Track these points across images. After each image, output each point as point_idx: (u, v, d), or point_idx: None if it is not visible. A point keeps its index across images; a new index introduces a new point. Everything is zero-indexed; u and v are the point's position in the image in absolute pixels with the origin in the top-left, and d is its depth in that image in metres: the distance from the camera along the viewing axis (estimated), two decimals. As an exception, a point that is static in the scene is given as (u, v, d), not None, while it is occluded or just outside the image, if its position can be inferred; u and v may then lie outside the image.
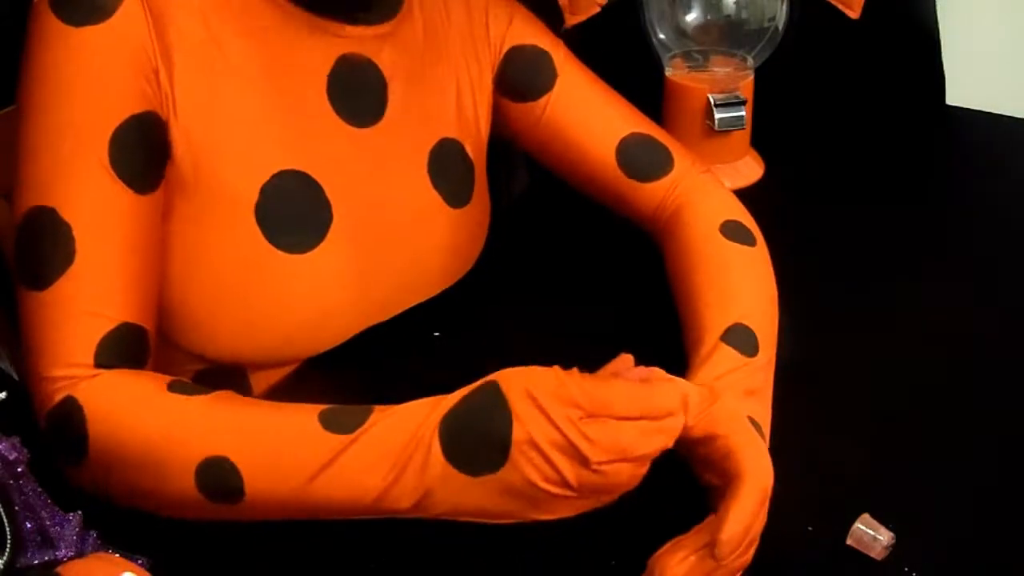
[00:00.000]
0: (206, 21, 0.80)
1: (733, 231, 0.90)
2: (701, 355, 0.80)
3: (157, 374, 0.76)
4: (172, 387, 0.74)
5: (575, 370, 0.67)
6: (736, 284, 0.86)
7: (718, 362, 0.79)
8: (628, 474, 0.66)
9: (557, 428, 0.64)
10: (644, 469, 0.66)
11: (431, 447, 0.67)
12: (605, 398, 0.66)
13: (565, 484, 0.65)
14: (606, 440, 0.65)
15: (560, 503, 0.67)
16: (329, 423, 0.70)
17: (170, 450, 0.71)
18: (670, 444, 0.67)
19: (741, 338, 0.80)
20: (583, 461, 0.65)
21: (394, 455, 0.68)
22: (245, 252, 0.82)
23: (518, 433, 0.65)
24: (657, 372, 0.74)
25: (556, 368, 0.67)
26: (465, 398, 0.68)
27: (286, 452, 0.70)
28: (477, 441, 0.66)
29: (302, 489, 0.69)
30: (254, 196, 0.82)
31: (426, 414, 0.68)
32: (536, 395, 0.65)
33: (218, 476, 0.70)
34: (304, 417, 0.71)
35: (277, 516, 0.72)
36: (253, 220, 0.82)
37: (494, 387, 0.66)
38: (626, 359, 0.75)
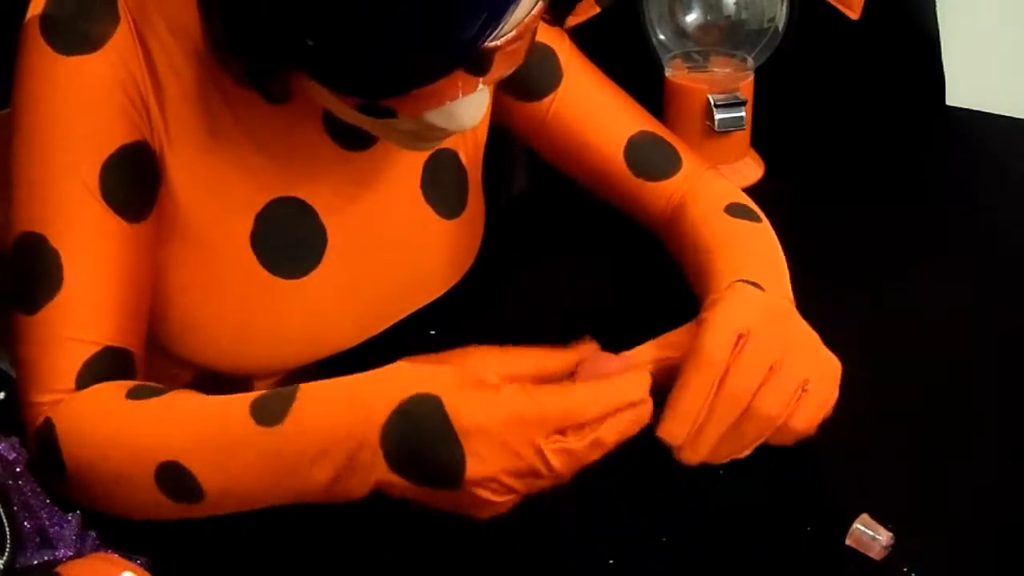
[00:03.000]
0: (198, 54, 0.77)
1: (737, 211, 0.90)
2: (711, 300, 0.78)
3: (119, 382, 0.76)
4: (130, 393, 0.74)
5: (528, 384, 0.68)
6: (746, 250, 0.85)
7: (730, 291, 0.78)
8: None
9: (517, 455, 0.66)
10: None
11: (376, 452, 0.67)
12: (570, 408, 0.67)
13: (518, 495, 0.68)
14: (569, 461, 0.67)
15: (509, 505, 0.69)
16: (260, 415, 0.69)
17: (129, 460, 0.72)
18: (635, 431, 0.69)
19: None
20: (539, 476, 0.67)
21: (333, 452, 0.68)
22: (242, 279, 0.82)
23: (473, 471, 0.66)
24: (615, 362, 0.74)
25: (513, 387, 0.67)
26: (404, 413, 0.67)
27: (229, 449, 0.70)
28: (427, 468, 0.67)
29: (255, 484, 0.70)
30: (249, 226, 0.82)
31: (361, 418, 0.67)
32: (492, 428, 0.65)
33: (176, 480, 0.71)
34: (238, 411, 0.70)
35: (247, 508, 0.72)
36: (249, 249, 0.82)
37: (437, 408, 0.66)
38: (590, 346, 0.75)
